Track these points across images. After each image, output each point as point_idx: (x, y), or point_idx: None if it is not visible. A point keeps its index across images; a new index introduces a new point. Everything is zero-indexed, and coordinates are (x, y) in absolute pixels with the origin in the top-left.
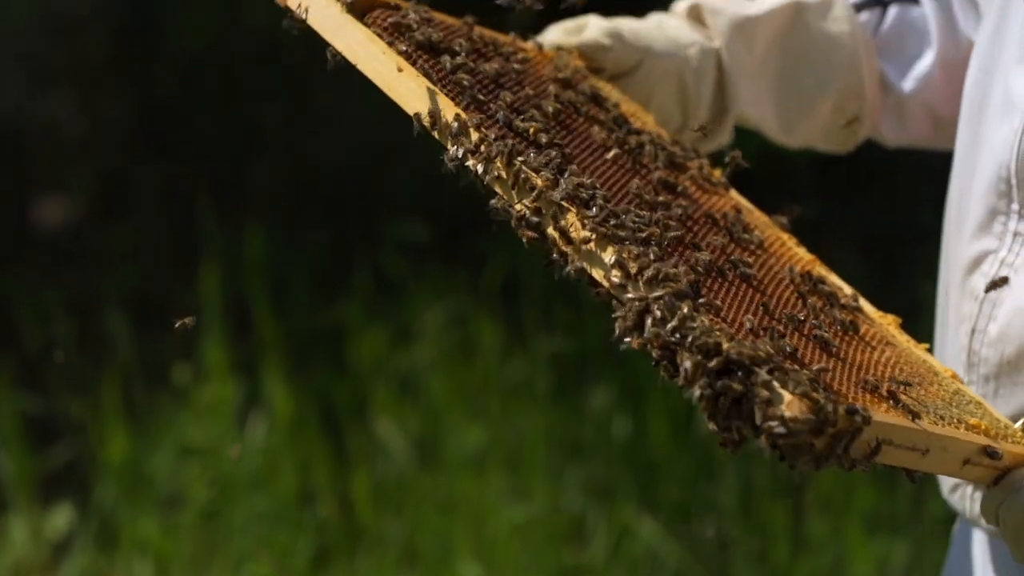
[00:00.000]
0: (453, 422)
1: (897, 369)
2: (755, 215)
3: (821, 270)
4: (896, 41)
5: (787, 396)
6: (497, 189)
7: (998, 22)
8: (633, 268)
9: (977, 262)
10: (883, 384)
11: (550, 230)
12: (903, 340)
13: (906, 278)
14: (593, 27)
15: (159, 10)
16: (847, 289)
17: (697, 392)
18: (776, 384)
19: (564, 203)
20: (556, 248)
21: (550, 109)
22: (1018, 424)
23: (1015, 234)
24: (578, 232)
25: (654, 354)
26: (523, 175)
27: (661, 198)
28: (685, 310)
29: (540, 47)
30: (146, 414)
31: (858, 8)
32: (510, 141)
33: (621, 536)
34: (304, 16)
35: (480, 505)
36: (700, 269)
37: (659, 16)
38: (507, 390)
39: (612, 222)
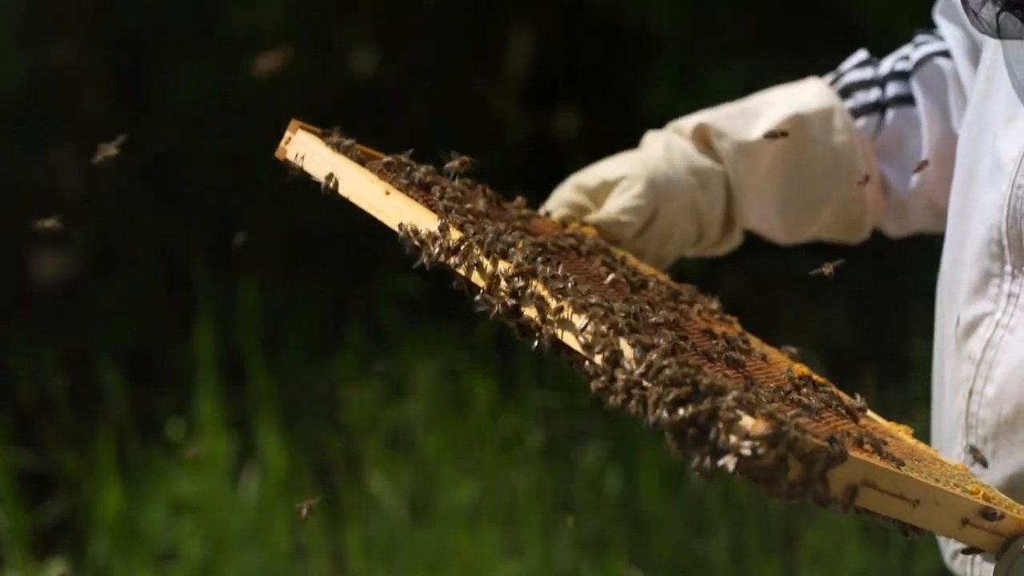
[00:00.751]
0: (446, 477)
1: (894, 447)
2: (764, 347)
3: (830, 385)
4: (895, 143)
5: (752, 419)
6: (476, 279)
7: (984, 92)
8: (604, 326)
9: (973, 326)
10: (866, 439)
11: (527, 310)
12: (911, 442)
13: (897, 337)
14: (611, 204)
15: (157, 66)
16: (855, 400)
17: (664, 418)
18: (740, 410)
19: (538, 283)
20: (534, 326)
21: (543, 239)
22: None
23: (1009, 295)
24: (552, 303)
25: (620, 400)
26: (500, 263)
27: (654, 308)
28: (654, 357)
29: (548, 214)
30: (140, 469)
31: (857, 114)
32: (492, 235)
33: None
34: (301, 164)
35: (473, 561)
36: (681, 343)
37: (664, 138)
38: (500, 445)
39: (587, 294)
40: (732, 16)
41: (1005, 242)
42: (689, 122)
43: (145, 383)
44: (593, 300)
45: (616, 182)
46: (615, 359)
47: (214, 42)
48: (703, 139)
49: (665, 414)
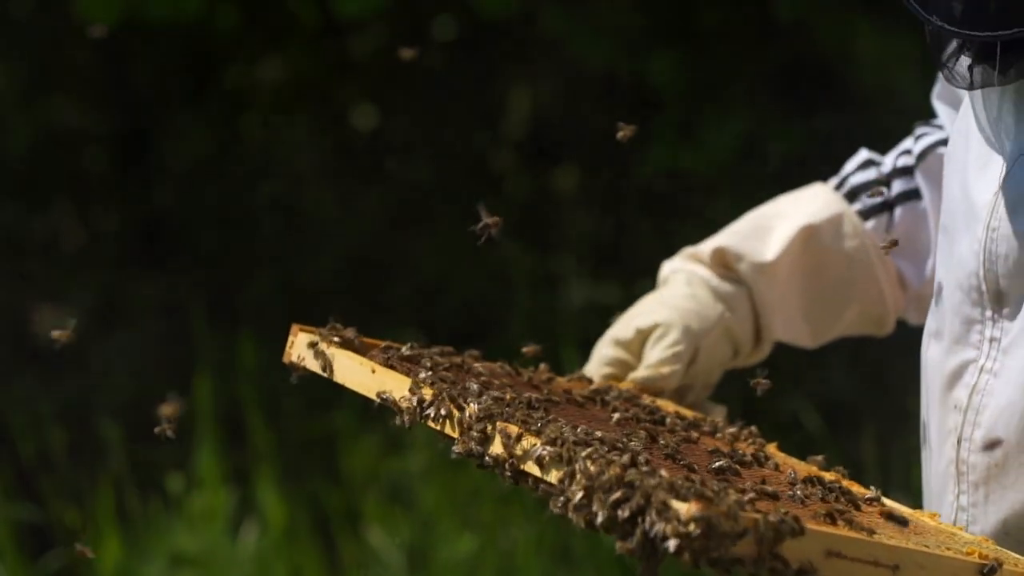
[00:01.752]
0: (445, 530)
1: (889, 527)
2: (791, 461)
3: (846, 481)
4: (906, 239)
5: (684, 505)
6: (448, 430)
7: (958, 146)
8: (557, 448)
9: (958, 374)
10: (839, 514)
11: (492, 447)
12: (932, 523)
13: (895, 388)
14: (650, 356)
15: (157, 124)
16: (869, 491)
17: (607, 522)
18: (674, 497)
19: (502, 423)
20: (501, 460)
21: (543, 395)
22: None
23: (991, 340)
24: (512, 434)
25: (572, 513)
26: (467, 409)
27: (655, 437)
28: (591, 467)
29: (581, 378)
30: (139, 522)
31: (865, 216)
32: (467, 390)
33: None
34: (303, 364)
35: None
36: (646, 456)
37: (684, 272)
38: (499, 498)
39: (548, 421)
40: (730, 73)
41: (983, 287)
42: (706, 248)
43: (144, 437)
44: (551, 428)
45: (651, 330)
46: (568, 477)
47: (214, 100)
48: (723, 264)
49: (606, 517)
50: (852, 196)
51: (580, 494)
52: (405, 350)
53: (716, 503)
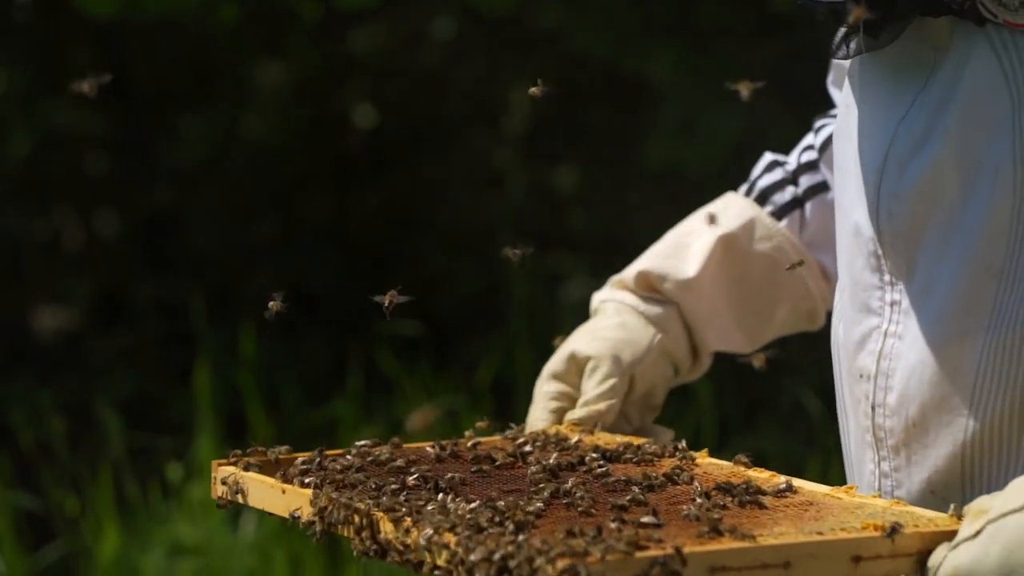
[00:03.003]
0: None
1: (787, 520)
2: (712, 469)
3: (756, 474)
4: (822, 231)
5: (550, 566)
6: (348, 533)
7: (843, 121)
8: (439, 533)
9: (862, 343)
10: (725, 527)
11: (387, 543)
12: (847, 499)
13: None
14: (586, 392)
15: (157, 126)
16: (780, 478)
17: None
18: (542, 561)
19: (384, 517)
20: (393, 552)
21: (449, 475)
22: (949, 511)
23: (892, 303)
24: (401, 529)
25: None
26: (358, 511)
27: (573, 488)
28: (471, 546)
29: (509, 436)
30: (139, 512)
31: (778, 216)
32: (365, 488)
33: None
34: (227, 497)
35: None
36: (537, 518)
37: (613, 302)
38: None
39: (440, 507)
40: (730, 66)
41: (879, 251)
42: (630, 273)
43: (145, 428)
44: (438, 515)
45: (584, 362)
46: (452, 560)
47: (213, 101)
48: (647, 287)
49: None
50: (762, 199)
51: (464, 574)
52: (317, 459)
53: (586, 555)
